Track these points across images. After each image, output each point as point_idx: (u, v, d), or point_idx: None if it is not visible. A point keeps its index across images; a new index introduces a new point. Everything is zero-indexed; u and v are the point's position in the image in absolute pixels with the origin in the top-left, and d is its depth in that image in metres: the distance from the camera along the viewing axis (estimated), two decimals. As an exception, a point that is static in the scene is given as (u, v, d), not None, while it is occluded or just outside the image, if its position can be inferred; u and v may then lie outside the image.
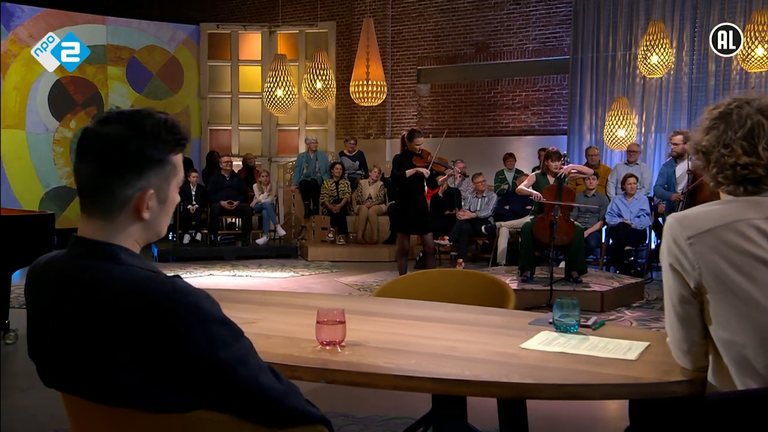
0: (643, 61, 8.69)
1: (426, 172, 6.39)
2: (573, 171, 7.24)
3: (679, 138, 6.70)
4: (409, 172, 6.37)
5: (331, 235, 10.01)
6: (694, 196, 6.58)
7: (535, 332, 2.03)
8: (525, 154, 10.19)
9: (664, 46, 8.56)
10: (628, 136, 9.07)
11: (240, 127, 12.39)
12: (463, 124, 11.24)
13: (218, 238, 10.14)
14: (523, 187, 7.14)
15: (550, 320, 2.12)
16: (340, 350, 1.82)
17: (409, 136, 6.51)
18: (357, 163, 10.99)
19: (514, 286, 6.73)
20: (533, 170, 9.44)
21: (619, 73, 9.66)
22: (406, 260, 6.94)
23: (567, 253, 6.99)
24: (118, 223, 1.21)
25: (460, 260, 8.85)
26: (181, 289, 1.16)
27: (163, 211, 1.25)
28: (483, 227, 8.96)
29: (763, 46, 7.90)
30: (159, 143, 1.21)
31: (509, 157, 9.77)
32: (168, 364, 1.14)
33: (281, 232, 10.32)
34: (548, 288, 6.48)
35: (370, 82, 10.18)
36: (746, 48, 7.95)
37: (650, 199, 8.35)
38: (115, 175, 1.18)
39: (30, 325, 1.29)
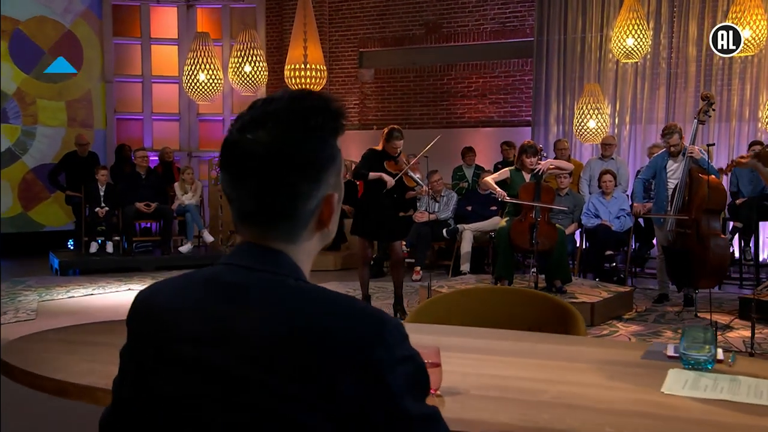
0: (617, 44, 8.63)
1: (390, 182, 6.14)
2: (551, 167, 7.11)
3: (675, 137, 6.71)
4: (372, 176, 6.11)
5: None
6: (691, 195, 6.56)
7: (656, 369, 1.89)
8: (483, 148, 10.02)
9: (641, 27, 8.54)
10: (600, 127, 9.01)
11: (154, 117, 11.82)
12: (412, 114, 11.04)
13: (133, 245, 9.58)
14: (489, 180, 6.94)
15: (672, 353, 1.98)
16: (437, 400, 1.63)
17: (387, 135, 6.21)
18: None
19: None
20: (495, 167, 9.37)
21: (589, 58, 9.59)
22: (369, 271, 6.62)
23: (548, 260, 6.84)
24: (300, 244, 1.11)
25: (418, 268, 8.61)
26: (395, 326, 1.04)
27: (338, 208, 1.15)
28: (444, 230, 8.74)
29: (751, 28, 8.00)
30: (327, 135, 1.09)
31: (468, 152, 9.58)
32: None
33: (209, 238, 9.88)
34: None
35: (308, 66, 9.84)
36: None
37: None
38: (292, 194, 1.06)
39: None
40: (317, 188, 1.08)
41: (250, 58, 9.93)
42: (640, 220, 8.41)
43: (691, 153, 6.61)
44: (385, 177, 6.13)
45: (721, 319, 6.47)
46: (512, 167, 7.09)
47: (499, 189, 6.73)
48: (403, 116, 11.01)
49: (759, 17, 8.03)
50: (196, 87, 9.97)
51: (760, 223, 8.09)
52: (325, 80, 9.99)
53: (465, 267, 8.37)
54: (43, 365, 1.94)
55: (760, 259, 8.31)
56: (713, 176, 6.57)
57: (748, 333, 5.91)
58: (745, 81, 8.77)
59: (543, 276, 6.79)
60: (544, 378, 1.88)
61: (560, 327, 2.55)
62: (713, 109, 6.82)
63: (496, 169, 9.27)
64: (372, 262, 7.73)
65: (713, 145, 7.07)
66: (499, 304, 2.73)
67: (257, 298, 1.04)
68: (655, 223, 7.25)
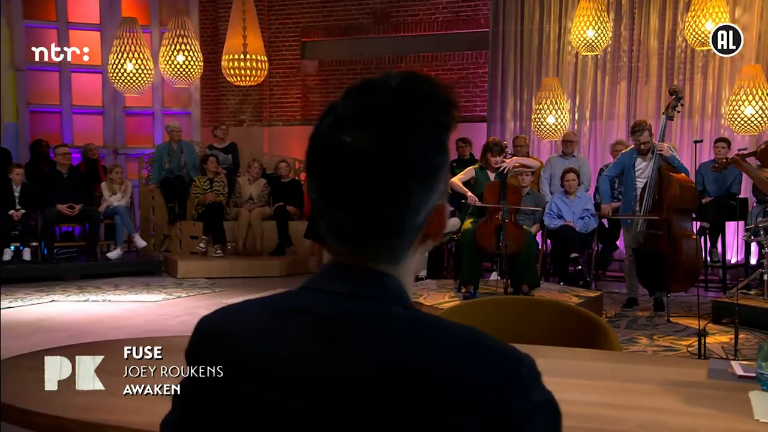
0: (576, 36, 8.62)
1: None
2: (517, 165, 7.04)
3: (646, 135, 6.74)
4: None
5: (203, 245, 9.37)
6: (661, 194, 6.56)
7: (732, 391, 1.85)
8: (435, 145, 9.91)
9: (601, 18, 8.55)
10: (560, 123, 8.99)
11: (74, 110, 11.28)
12: None
13: (54, 252, 9.11)
14: (457, 181, 6.83)
15: (742, 372, 1.95)
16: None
17: None
18: (229, 156, 10.42)
19: (452, 305, 6.39)
20: (451, 164, 9.28)
21: (547, 50, 9.55)
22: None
23: (516, 264, 6.74)
24: (404, 263, 1.01)
25: None
26: (530, 364, 0.97)
27: None
28: (399, 233, 8.54)
29: (713, 20, 8.09)
30: (441, 132, 0.98)
31: (422, 149, 9.42)
32: None
33: (140, 243, 9.53)
34: None
35: (248, 57, 9.61)
36: (693, 19, 8.14)
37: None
38: (401, 206, 0.96)
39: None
40: (428, 198, 0.98)
41: (182, 47, 9.62)
42: (604, 221, 8.40)
43: (661, 150, 6.63)
44: None
45: (694, 324, 6.47)
46: (476, 166, 7.00)
47: (470, 193, 6.63)
48: None
49: (721, 9, 8.14)
50: (123, 77, 9.62)
51: (726, 223, 8.18)
52: (266, 71, 9.80)
53: (422, 272, 8.21)
54: (32, 398, 1.69)
55: (728, 260, 8.40)
56: (683, 174, 6.60)
57: (724, 338, 5.93)
58: (708, 76, 8.87)
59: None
60: (618, 403, 1.81)
61: (588, 341, 2.40)
62: (681, 104, 6.86)
63: (451, 167, 9.19)
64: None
65: (700, 141, 7.08)
66: (517, 316, 2.58)
67: (361, 332, 0.95)
68: (623, 224, 7.24)
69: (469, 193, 6.64)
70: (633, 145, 6.95)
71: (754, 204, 8.08)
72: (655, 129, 7.04)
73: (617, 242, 8.59)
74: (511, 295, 6.38)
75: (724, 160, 6.67)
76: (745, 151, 6.48)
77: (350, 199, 0.96)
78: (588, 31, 8.56)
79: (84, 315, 6.86)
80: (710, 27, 8.14)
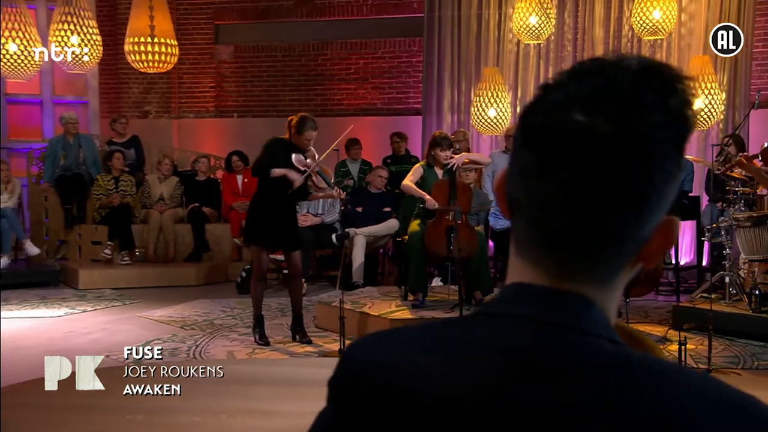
0: (518, 23, 8.51)
1: (299, 180, 5.70)
2: (466, 160, 6.86)
3: None
4: (275, 172, 5.66)
5: (108, 251, 8.90)
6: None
7: None
8: (366, 139, 9.66)
9: (544, 4, 8.45)
10: (501, 117, 8.85)
11: (-56, 98, 10.52)
12: (281, 100, 10.68)
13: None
14: (411, 184, 6.60)
15: None
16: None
17: (298, 126, 5.79)
18: (132, 151, 10.03)
19: (401, 315, 6.18)
20: (384, 161, 9.04)
21: (487, 38, 9.41)
22: (263, 287, 6.06)
23: (467, 268, 6.54)
24: (615, 288, 0.90)
25: (303, 280, 8.14)
26: None
27: None
28: (333, 236, 8.25)
29: (661, 9, 8.10)
30: (687, 129, 0.87)
31: (354, 145, 9.16)
32: None
33: (32, 250, 9.02)
34: (451, 316, 5.97)
35: (156, 40, 9.12)
36: (639, 7, 8.14)
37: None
38: (637, 210, 0.86)
39: None
40: (661, 205, 0.90)
41: (76, 27, 9.03)
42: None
43: None
44: (291, 174, 5.66)
45: (654, 330, 6.46)
46: (422, 162, 6.79)
47: (428, 196, 6.41)
48: (270, 102, 10.68)
49: (669, -2, 8.17)
50: (5, 60, 8.88)
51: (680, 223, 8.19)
52: (177, 57, 9.33)
53: (358, 278, 7.94)
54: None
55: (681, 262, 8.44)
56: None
57: (690, 345, 5.86)
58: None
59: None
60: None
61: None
62: None
63: (385, 163, 8.96)
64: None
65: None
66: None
67: (576, 372, 0.84)
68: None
69: (427, 196, 6.42)
70: None
71: (707, 203, 8.13)
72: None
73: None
74: (456, 304, 6.21)
75: (734, 162, 6.58)
76: (748, 154, 6.49)
77: (577, 192, 0.86)
78: (530, 17, 8.45)
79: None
80: (657, 15, 8.18)
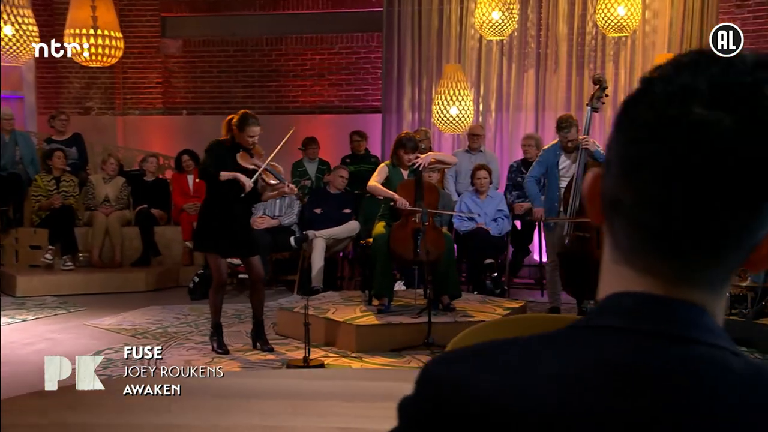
0: (480, 18, 8.44)
1: (248, 184, 5.51)
2: (433, 160, 6.73)
3: (574, 132, 6.67)
4: (224, 176, 5.46)
5: (49, 256, 8.55)
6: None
7: None
8: (322, 138, 9.48)
9: None
10: (464, 115, 8.75)
11: None
12: (233, 96, 10.49)
13: None
14: (378, 185, 6.45)
15: None
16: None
17: (240, 123, 5.58)
18: (74, 149, 9.72)
19: (368, 320, 6.03)
20: (343, 161, 8.88)
21: (449, 34, 9.29)
22: (222, 296, 5.82)
23: (434, 272, 6.41)
24: (721, 293, 0.89)
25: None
26: None
27: None
28: (291, 239, 8.05)
29: (626, 6, 8.09)
30: None
31: (311, 144, 8.99)
32: None
33: None
34: (419, 321, 5.92)
35: (99, 33, 8.84)
36: (603, 3, 8.12)
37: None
38: (755, 212, 0.83)
39: None
40: None
41: (9, 17, 8.69)
42: (517, 223, 8.27)
43: (586, 144, 6.66)
44: (241, 177, 5.49)
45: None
46: (387, 162, 6.66)
47: (398, 196, 6.28)
48: (221, 99, 10.46)
49: (634, -7, 8.17)
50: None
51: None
52: (122, 50, 9.05)
53: (317, 283, 7.75)
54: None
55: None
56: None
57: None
58: (619, 65, 8.91)
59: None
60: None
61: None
62: (606, 95, 6.84)
63: (344, 163, 8.79)
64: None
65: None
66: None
67: (695, 390, 0.80)
68: (546, 227, 7.09)
69: (397, 197, 6.28)
70: (556, 140, 6.86)
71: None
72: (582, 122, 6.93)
73: (530, 246, 8.47)
74: (424, 308, 6.09)
75: None
76: None
77: (697, 190, 0.83)
78: (493, 12, 8.40)
79: None
80: (622, 12, 8.18)
